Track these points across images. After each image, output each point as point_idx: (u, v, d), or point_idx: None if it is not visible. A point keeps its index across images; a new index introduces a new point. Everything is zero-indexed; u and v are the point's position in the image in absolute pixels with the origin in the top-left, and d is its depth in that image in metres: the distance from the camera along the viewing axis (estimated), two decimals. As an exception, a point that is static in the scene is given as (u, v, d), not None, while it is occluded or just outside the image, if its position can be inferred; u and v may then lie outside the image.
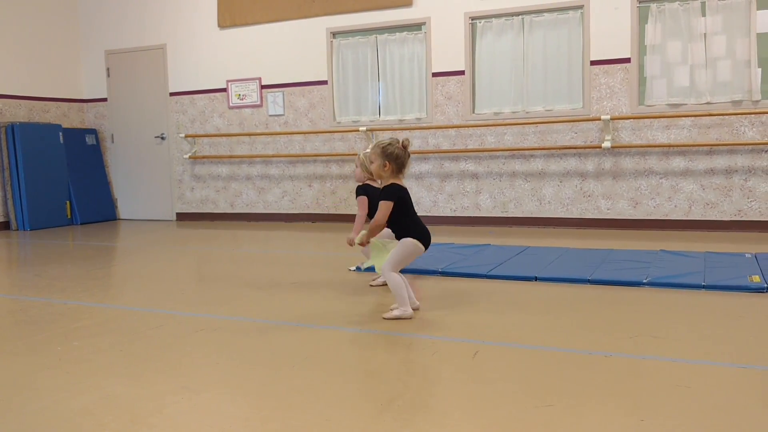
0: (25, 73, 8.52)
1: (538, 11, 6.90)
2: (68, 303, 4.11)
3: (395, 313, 3.52)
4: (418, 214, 3.71)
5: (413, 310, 3.61)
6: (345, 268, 5.02)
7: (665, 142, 6.50)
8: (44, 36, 8.74)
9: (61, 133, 8.61)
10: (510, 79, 7.08)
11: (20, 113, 8.47)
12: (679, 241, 5.79)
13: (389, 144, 3.50)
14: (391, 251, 3.58)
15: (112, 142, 9.25)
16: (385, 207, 3.50)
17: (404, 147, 3.51)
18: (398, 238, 3.60)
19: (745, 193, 6.30)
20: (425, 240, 3.56)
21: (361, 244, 3.66)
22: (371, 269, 4.50)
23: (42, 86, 8.75)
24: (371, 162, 3.62)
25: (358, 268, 4.84)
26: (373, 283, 4.38)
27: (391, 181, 3.54)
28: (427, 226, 3.65)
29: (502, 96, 7.14)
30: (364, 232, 3.63)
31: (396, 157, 3.48)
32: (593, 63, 6.71)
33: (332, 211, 8.04)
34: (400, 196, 3.51)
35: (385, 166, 3.49)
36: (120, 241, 7.37)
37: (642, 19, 6.54)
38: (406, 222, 3.56)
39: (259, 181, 8.42)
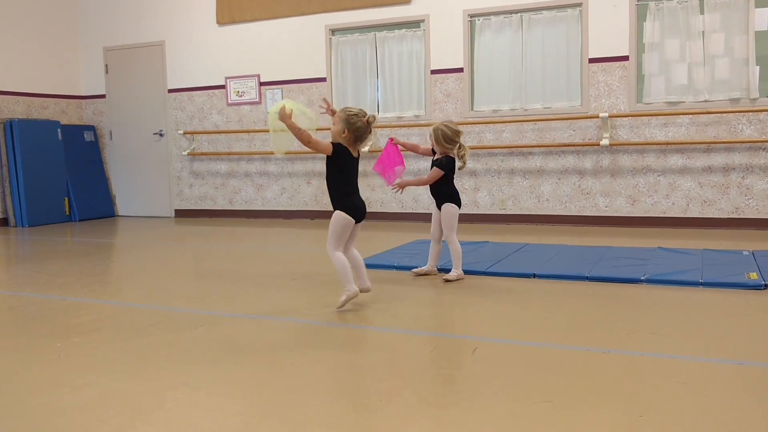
0: (23, 69, 8.50)
1: (537, 9, 6.89)
2: (67, 299, 4.11)
3: (342, 299, 3.59)
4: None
5: (364, 291, 3.71)
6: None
7: (663, 140, 6.51)
8: (43, 32, 8.73)
9: (59, 130, 8.60)
10: (509, 76, 7.08)
11: (19, 109, 8.46)
12: (677, 239, 5.80)
13: (355, 115, 3.57)
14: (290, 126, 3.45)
15: (111, 138, 9.24)
16: (323, 145, 3.58)
17: (368, 123, 3.59)
18: (334, 201, 3.68)
19: (743, 190, 6.32)
20: (354, 212, 3.65)
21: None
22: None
23: (40, 83, 8.74)
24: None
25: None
26: (416, 271, 4.55)
27: (341, 143, 3.60)
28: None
29: (500, 93, 7.14)
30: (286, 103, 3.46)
31: (356, 128, 3.56)
32: (592, 61, 6.71)
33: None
34: (339, 153, 3.59)
35: (344, 132, 3.57)
36: (118, 238, 7.37)
37: (641, 16, 6.55)
38: (340, 190, 3.67)
39: (258, 178, 8.42)
